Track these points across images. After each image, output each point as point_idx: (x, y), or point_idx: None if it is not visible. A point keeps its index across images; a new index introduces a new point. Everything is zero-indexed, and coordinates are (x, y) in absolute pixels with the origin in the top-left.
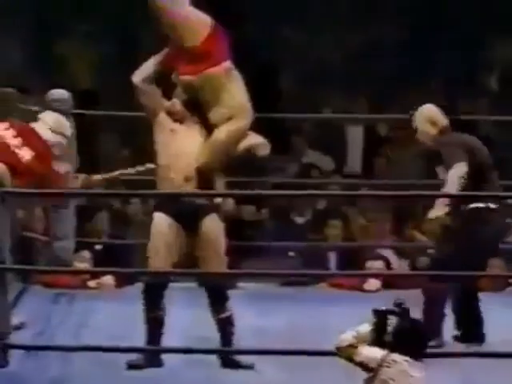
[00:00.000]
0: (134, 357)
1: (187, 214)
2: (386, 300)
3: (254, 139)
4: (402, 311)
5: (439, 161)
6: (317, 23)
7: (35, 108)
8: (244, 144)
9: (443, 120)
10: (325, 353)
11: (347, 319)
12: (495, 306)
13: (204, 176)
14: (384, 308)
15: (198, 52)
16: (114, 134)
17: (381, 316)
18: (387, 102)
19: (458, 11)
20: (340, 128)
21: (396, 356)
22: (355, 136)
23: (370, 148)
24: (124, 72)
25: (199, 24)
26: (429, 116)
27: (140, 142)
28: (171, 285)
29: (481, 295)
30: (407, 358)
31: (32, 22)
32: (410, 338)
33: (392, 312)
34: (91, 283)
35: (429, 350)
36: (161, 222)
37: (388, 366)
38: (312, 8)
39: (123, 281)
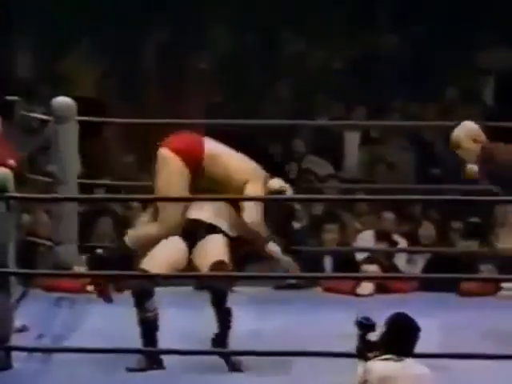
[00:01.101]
0: (133, 360)
1: (195, 234)
2: (378, 304)
3: (278, 182)
4: (368, 326)
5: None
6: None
7: (41, 116)
8: (272, 187)
9: (483, 136)
10: (320, 355)
11: (340, 323)
12: (487, 309)
13: (255, 232)
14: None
15: None
16: (118, 140)
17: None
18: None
19: (458, 21)
20: (338, 134)
21: (374, 362)
22: (352, 142)
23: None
24: (125, 80)
25: None
26: (472, 133)
27: (144, 149)
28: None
29: (474, 299)
30: (394, 357)
31: (40, 32)
32: (399, 336)
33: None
34: (91, 287)
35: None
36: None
37: (374, 375)
38: (311, 17)
39: (123, 285)
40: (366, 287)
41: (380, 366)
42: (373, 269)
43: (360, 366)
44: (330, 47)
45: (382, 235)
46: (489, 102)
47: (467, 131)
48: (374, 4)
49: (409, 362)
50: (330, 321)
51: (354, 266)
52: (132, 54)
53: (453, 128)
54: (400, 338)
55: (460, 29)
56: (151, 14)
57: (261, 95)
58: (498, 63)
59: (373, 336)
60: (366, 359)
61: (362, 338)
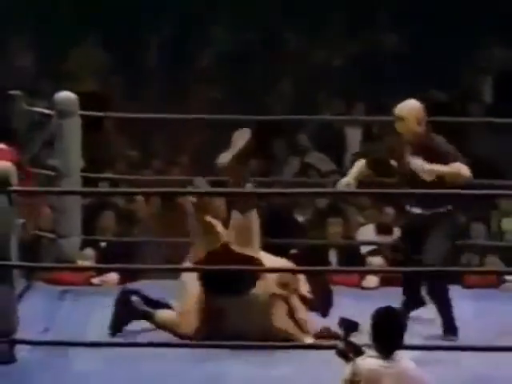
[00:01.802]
0: (136, 352)
1: None
2: (384, 297)
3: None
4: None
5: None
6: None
7: (43, 110)
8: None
9: (424, 116)
10: (327, 348)
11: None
12: (490, 301)
13: None
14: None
15: None
16: (122, 135)
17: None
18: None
19: (456, 18)
20: (340, 131)
21: (364, 364)
22: (354, 138)
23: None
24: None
25: None
26: (418, 114)
27: (148, 144)
28: None
29: (477, 291)
30: (380, 355)
31: (42, 28)
32: (383, 332)
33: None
34: (95, 280)
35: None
36: None
37: (361, 373)
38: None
39: (126, 278)
40: (372, 280)
41: (366, 364)
42: (377, 261)
43: (347, 367)
44: (330, 45)
45: (383, 229)
46: (488, 101)
47: (411, 110)
48: (375, 3)
49: (396, 358)
50: (337, 313)
51: (359, 259)
52: (137, 50)
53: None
54: (385, 334)
55: (459, 28)
56: (155, 11)
57: (265, 92)
58: (497, 62)
59: (356, 337)
60: (348, 360)
61: (345, 339)
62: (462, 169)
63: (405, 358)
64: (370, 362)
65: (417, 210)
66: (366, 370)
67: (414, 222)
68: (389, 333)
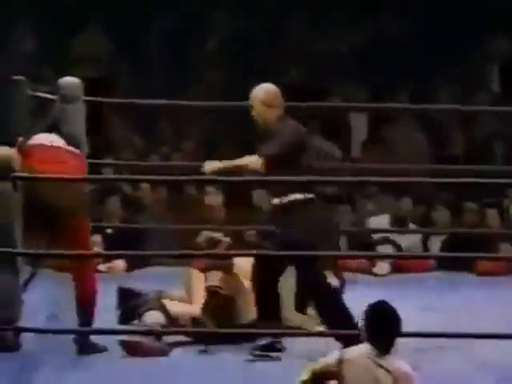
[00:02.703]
0: None
1: None
2: (395, 284)
3: None
4: None
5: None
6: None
7: (46, 95)
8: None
9: (280, 100)
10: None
11: (358, 302)
12: (504, 289)
13: None
14: None
15: None
16: (126, 120)
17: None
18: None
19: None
20: (345, 116)
21: (352, 352)
22: (361, 124)
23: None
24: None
25: None
26: (266, 98)
27: (151, 130)
28: None
29: (491, 279)
30: (371, 351)
31: (46, 12)
32: (379, 329)
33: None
34: (102, 267)
35: None
36: None
37: (348, 365)
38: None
39: (134, 264)
40: (383, 267)
41: (356, 356)
42: (388, 249)
43: (335, 352)
44: (337, 33)
45: (398, 220)
46: (495, 89)
47: (261, 95)
48: None
49: (390, 355)
50: (348, 300)
51: (370, 246)
52: (139, 37)
53: None
54: (380, 331)
55: (465, 17)
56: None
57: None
58: (502, 52)
59: None
60: None
61: None
62: (249, 162)
63: (397, 357)
64: (358, 354)
65: (273, 200)
66: (352, 363)
67: (272, 212)
68: (384, 329)
